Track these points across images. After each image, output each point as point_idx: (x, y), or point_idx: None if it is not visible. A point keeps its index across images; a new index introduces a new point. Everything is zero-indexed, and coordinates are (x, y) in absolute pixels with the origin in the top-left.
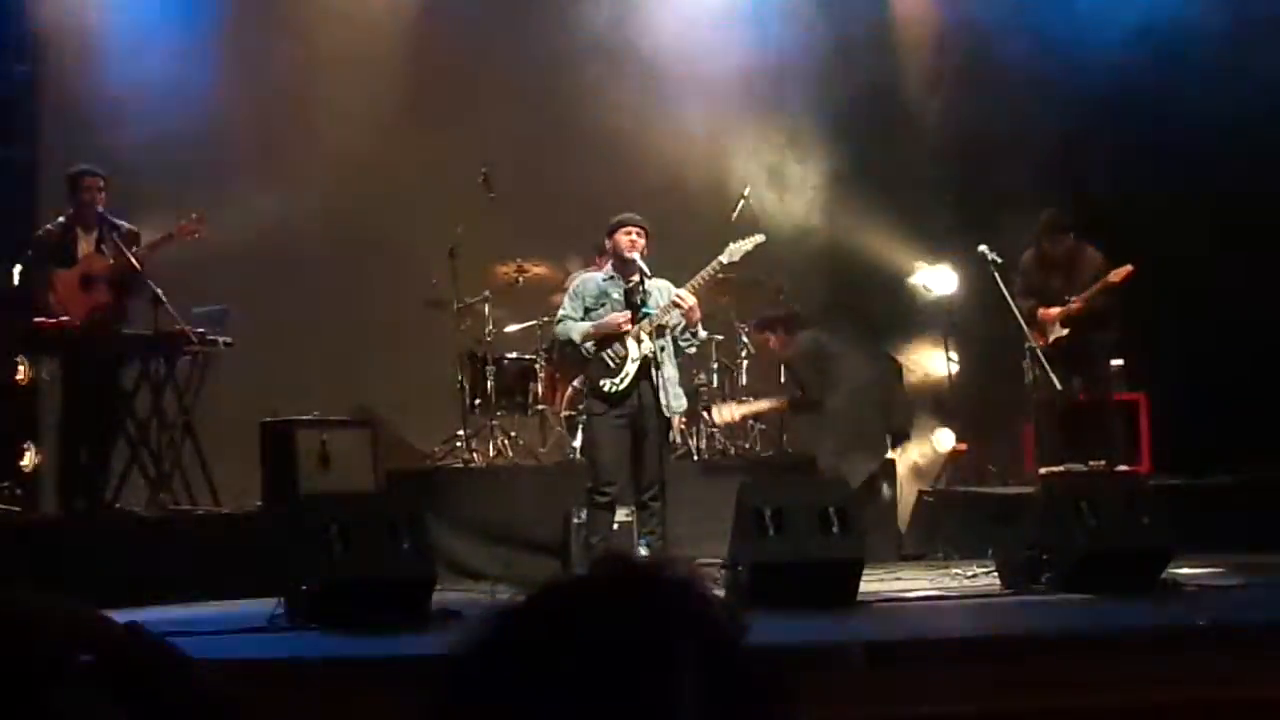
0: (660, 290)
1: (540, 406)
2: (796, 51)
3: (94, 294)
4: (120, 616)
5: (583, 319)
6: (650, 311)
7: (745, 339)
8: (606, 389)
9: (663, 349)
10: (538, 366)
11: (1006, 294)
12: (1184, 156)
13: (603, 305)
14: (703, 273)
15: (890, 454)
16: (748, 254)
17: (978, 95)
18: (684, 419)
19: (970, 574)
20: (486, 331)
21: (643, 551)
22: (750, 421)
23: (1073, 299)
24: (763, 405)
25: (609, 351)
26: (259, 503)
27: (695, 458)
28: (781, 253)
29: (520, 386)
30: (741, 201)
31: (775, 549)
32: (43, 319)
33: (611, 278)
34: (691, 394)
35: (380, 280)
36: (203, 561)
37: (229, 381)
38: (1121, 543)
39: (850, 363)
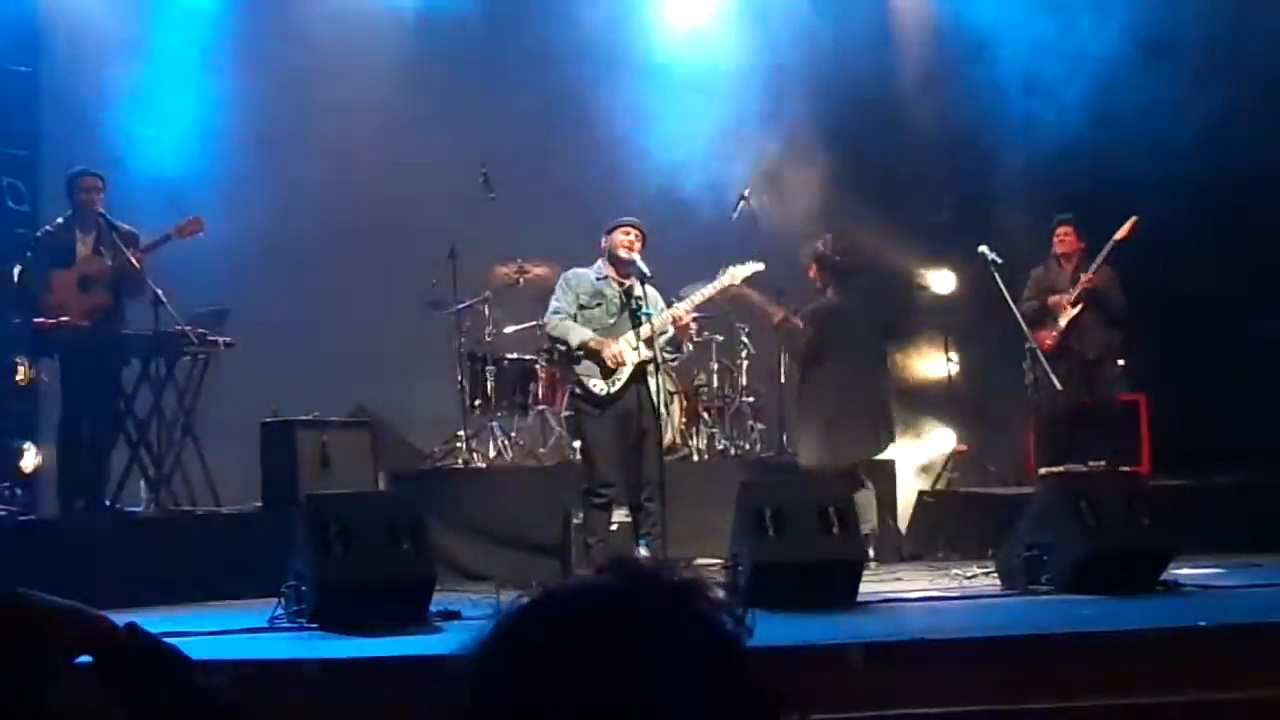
0: (653, 299)
1: (540, 407)
2: (796, 53)
3: (92, 295)
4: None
5: (575, 315)
6: (649, 313)
7: (745, 339)
8: (599, 391)
9: (651, 358)
10: (538, 367)
11: (1006, 294)
12: (1184, 157)
13: (598, 305)
14: (702, 291)
15: (878, 454)
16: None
17: (977, 96)
18: (684, 419)
19: (970, 574)
20: (486, 332)
21: (642, 552)
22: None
23: (1086, 274)
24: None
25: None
26: (259, 503)
27: (695, 458)
28: (781, 254)
29: (520, 387)
30: (741, 202)
31: (775, 549)
32: (42, 319)
33: (605, 277)
34: (693, 394)
35: (380, 281)
36: (203, 562)
37: (229, 382)
38: (1122, 543)
39: (850, 343)
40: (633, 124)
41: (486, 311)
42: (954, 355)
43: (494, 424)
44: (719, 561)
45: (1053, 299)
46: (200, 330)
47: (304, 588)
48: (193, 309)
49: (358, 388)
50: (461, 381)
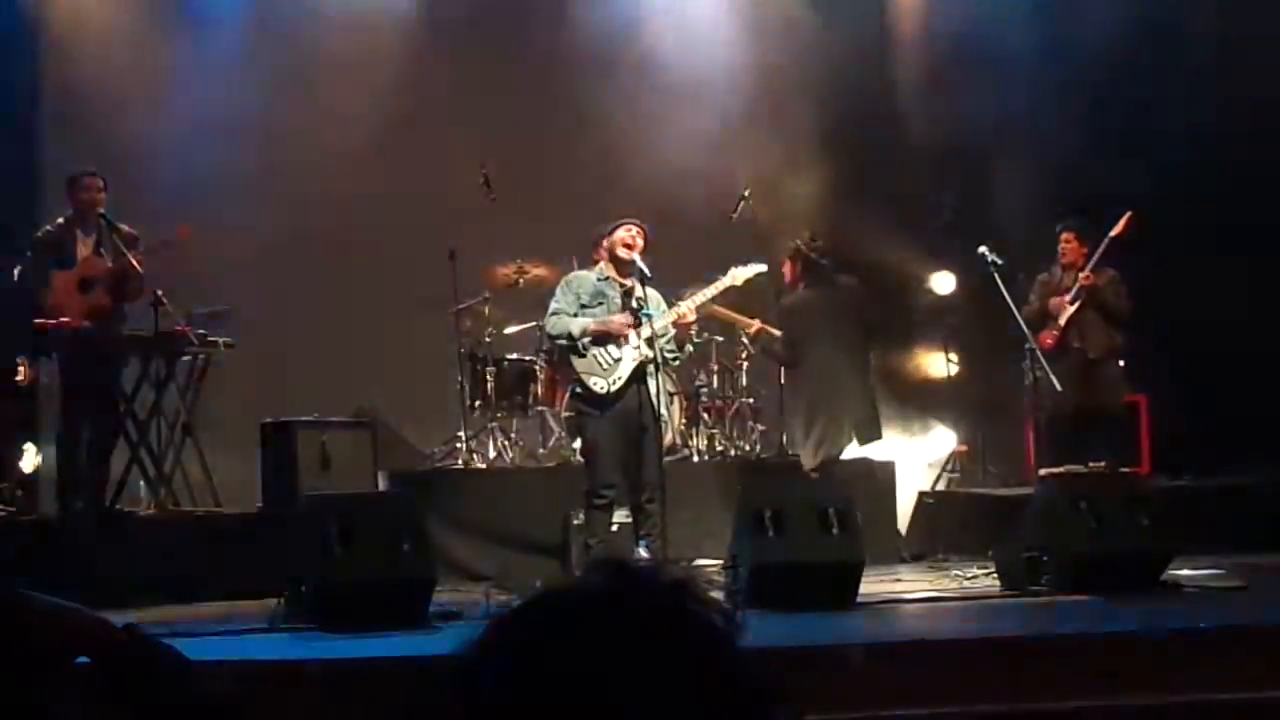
0: (653, 299)
1: (540, 408)
2: (795, 55)
3: (92, 296)
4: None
5: (576, 315)
6: (650, 313)
7: (745, 339)
8: (598, 389)
9: (651, 358)
10: (538, 368)
11: (1006, 295)
12: (1184, 157)
13: (599, 304)
14: (704, 292)
15: (859, 447)
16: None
17: (977, 97)
18: (684, 419)
19: (970, 575)
20: (486, 333)
21: (642, 553)
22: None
23: (1085, 273)
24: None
25: (602, 351)
26: (259, 503)
27: (695, 459)
28: (781, 255)
29: (520, 388)
30: (742, 202)
31: (775, 550)
32: (42, 319)
33: (606, 278)
34: (693, 394)
35: (380, 281)
36: (203, 562)
37: (229, 382)
38: (1122, 544)
39: (824, 340)
40: (632, 126)
41: (486, 312)
42: (954, 356)
43: (494, 425)
44: (719, 562)
45: (1053, 301)
46: (200, 331)
47: (304, 588)
48: (193, 309)
49: (358, 388)
50: (461, 382)
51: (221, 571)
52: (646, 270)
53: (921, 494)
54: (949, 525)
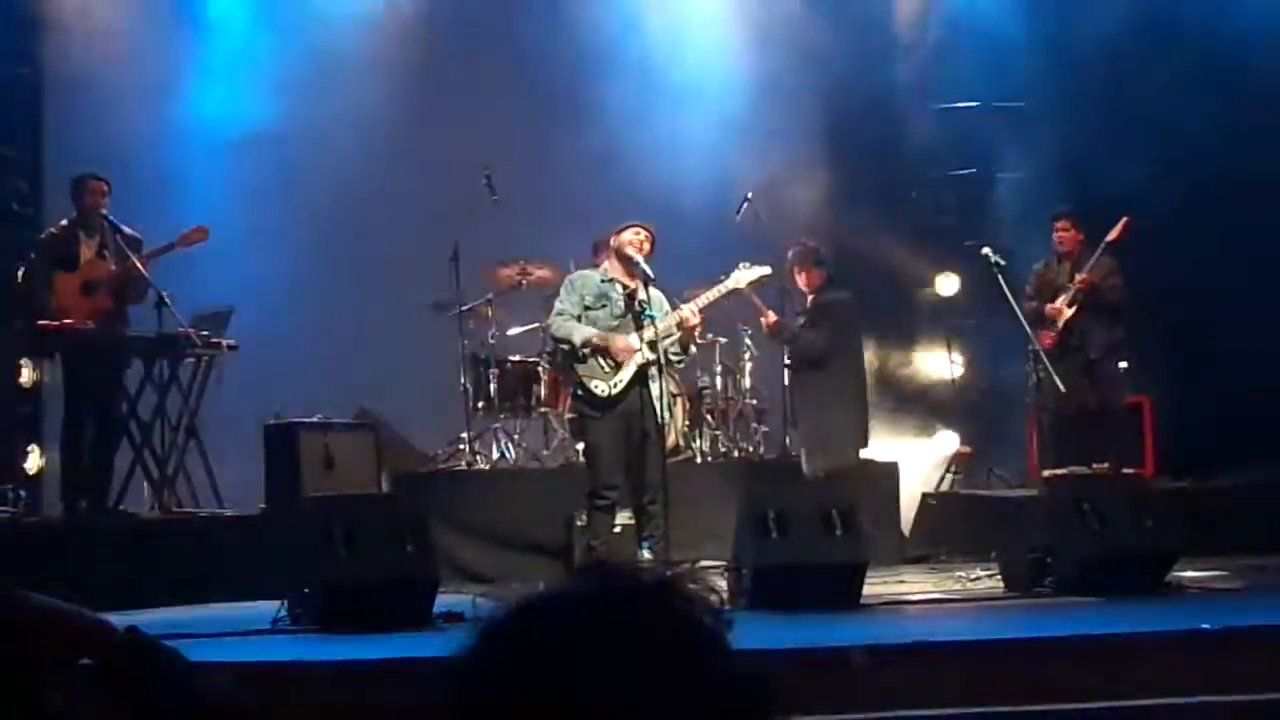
0: (655, 301)
1: (543, 409)
2: (798, 55)
3: (95, 299)
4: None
5: (580, 317)
6: (654, 315)
7: (748, 341)
8: (599, 392)
9: (653, 361)
10: (541, 369)
11: (1010, 296)
12: (1187, 157)
13: (603, 306)
14: (708, 294)
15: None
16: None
17: (979, 97)
18: (687, 421)
19: (974, 577)
20: (490, 334)
21: (645, 554)
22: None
23: (1081, 274)
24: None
25: (604, 354)
26: (262, 505)
27: (698, 460)
28: (784, 256)
29: (523, 389)
30: (745, 204)
31: (778, 551)
32: (46, 321)
33: (610, 279)
34: (696, 396)
35: (383, 283)
36: (206, 564)
37: (232, 384)
38: (1125, 545)
39: (851, 342)
40: (635, 127)
41: (489, 313)
42: (957, 357)
43: (497, 426)
44: (722, 563)
45: (1049, 309)
46: (203, 332)
47: (307, 589)
48: (196, 311)
49: (361, 390)
50: (464, 383)
51: (224, 573)
52: (650, 272)
53: (925, 495)
54: (952, 526)
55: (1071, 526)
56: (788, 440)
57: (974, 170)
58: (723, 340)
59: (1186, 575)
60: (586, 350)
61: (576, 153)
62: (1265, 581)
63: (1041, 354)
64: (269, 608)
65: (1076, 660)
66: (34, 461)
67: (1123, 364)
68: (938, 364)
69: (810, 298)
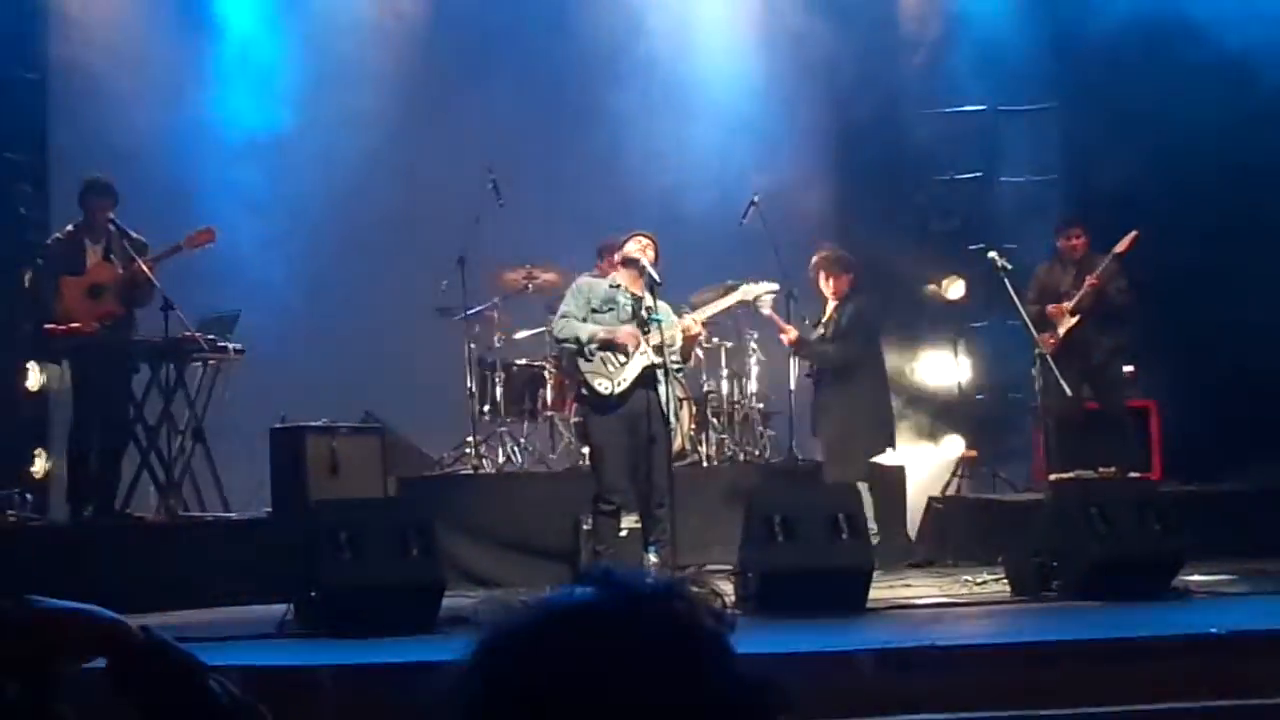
0: (662, 309)
1: (549, 413)
2: (804, 59)
3: (101, 303)
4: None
5: (586, 320)
6: (660, 319)
7: (754, 346)
8: (603, 390)
9: (660, 367)
10: (547, 373)
11: (1016, 300)
12: (1193, 163)
13: (610, 310)
14: (713, 305)
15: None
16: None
17: (986, 100)
18: (694, 425)
19: (980, 581)
20: (496, 338)
21: (651, 558)
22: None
23: (1091, 276)
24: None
25: (610, 355)
26: (268, 509)
27: (704, 464)
28: (788, 260)
29: (530, 393)
30: (751, 207)
31: (785, 556)
32: (52, 325)
33: (618, 285)
34: (701, 400)
35: (389, 287)
36: (212, 567)
37: (239, 388)
38: (1132, 550)
39: (875, 348)
40: (641, 132)
41: (496, 317)
42: (963, 360)
43: (503, 430)
44: (728, 568)
45: (1051, 309)
46: (210, 336)
47: (313, 593)
48: (203, 315)
49: (367, 394)
50: (471, 387)
51: (230, 577)
52: (656, 277)
53: (931, 499)
54: (959, 530)
55: (1078, 530)
56: (794, 445)
57: (980, 174)
58: (729, 344)
59: (1193, 579)
60: (594, 346)
61: (582, 157)
62: (1272, 585)
63: (1048, 358)
64: (275, 611)
65: (1083, 664)
66: (41, 465)
67: (1127, 367)
68: (944, 368)
69: (835, 304)
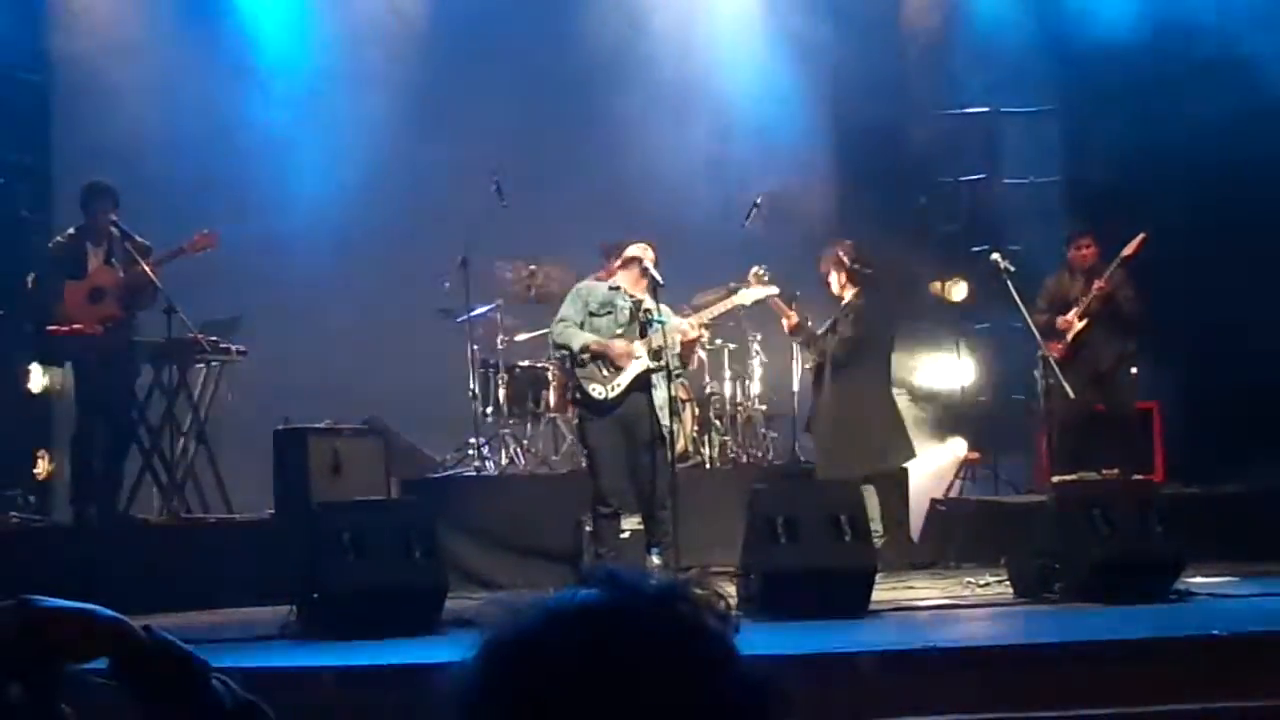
0: (665, 313)
1: (552, 414)
2: (807, 62)
3: (103, 306)
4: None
5: (584, 324)
6: (662, 321)
7: (757, 347)
8: (596, 395)
9: (658, 371)
10: (549, 374)
11: (1019, 302)
12: (1199, 164)
13: (608, 313)
14: (714, 309)
15: (902, 464)
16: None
17: (989, 103)
18: (696, 426)
19: (983, 583)
20: (498, 339)
21: (653, 560)
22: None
23: (1098, 281)
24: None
25: (604, 359)
26: (271, 511)
27: (706, 465)
28: (791, 261)
29: (532, 394)
30: (754, 209)
31: (787, 557)
32: (56, 326)
33: (617, 288)
34: (704, 401)
35: (392, 288)
36: (215, 569)
37: (242, 389)
38: (1134, 552)
39: (879, 350)
40: (644, 134)
41: (499, 319)
42: (966, 362)
43: (505, 431)
44: (731, 569)
45: (1060, 320)
46: (212, 338)
47: (316, 595)
48: (205, 317)
49: (370, 395)
50: (473, 389)
51: (233, 578)
52: (659, 277)
53: (934, 501)
54: (961, 532)
55: (1080, 532)
56: (797, 446)
57: (983, 175)
58: (732, 346)
59: (1195, 581)
60: (586, 355)
61: (585, 158)
62: (1274, 588)
63: (1051, 360)
64: (278, 613)
65: (1085, 666)
66: (44, 467)
67: (1133, 369)
68: (947, 369)
69: (844, 301)
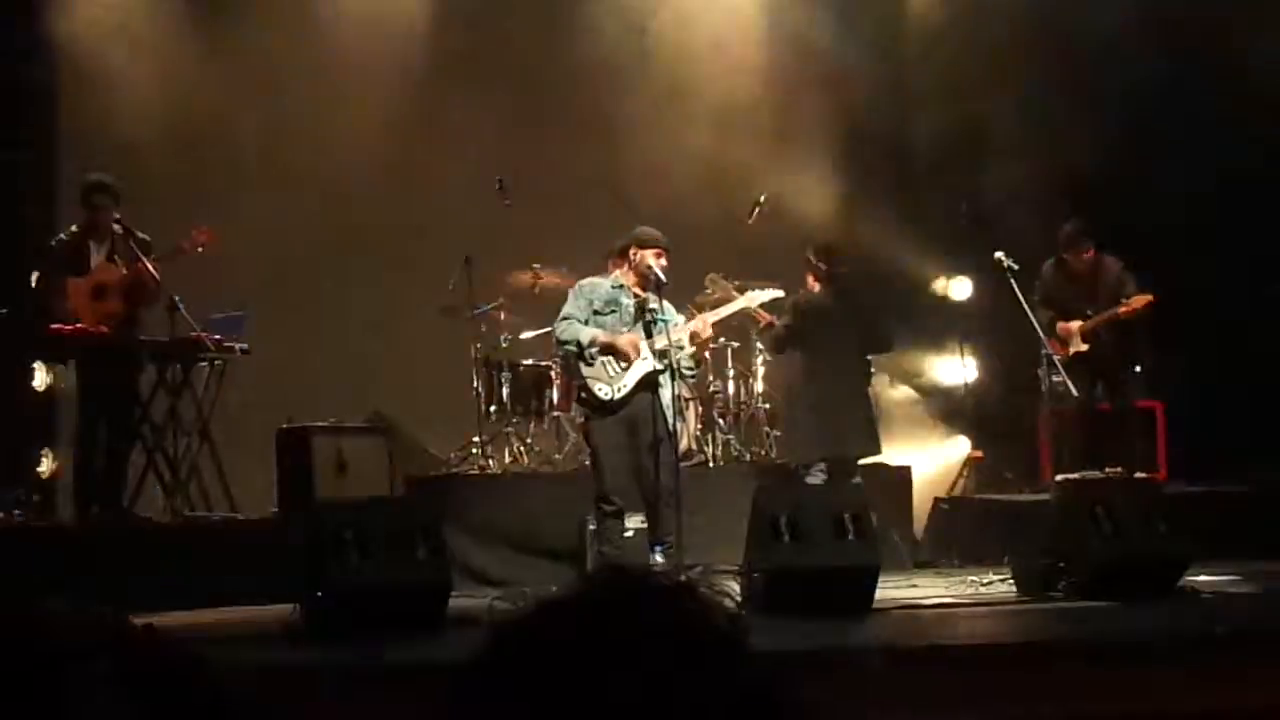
0: (667, 311)
1: (556, 413)
2: (810, 61)
3: (106, 303)
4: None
5: (588, 322)
6: (667, 319)
7: (760, 346)
8: (603, 395)
9: (664, 371)
10: (553, 373)
11: (1023, 301)
12: (1204, 163)
13: (612, 312)
14: (721, 310)
15: (860, 458)
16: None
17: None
18: (699, 425)
19: (986, 581)
20: (502, 338)
21: (657, 559)
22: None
23: (1092, 312)
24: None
25: (610, 360)
26: (275, 509)
27: (710, 464)
28: (793, 261)
29: (536, 393)
30: (757, 207)
31: (791, 556)
32: (59, 325)
33: (621, 285)
34: (707, 400)
35: (396, 287)
36: (219, 568)
37: (246, 388)
38: (1138, 550)
39: (829, 342)
40: (646, 131)
41: (502, 318)
42: (970, 361)
43: (509, 430)
44: (734, 567)
45: (1061, 327)
46: (216, 336)
47: (320, 593)
48: (209, 315)
49: (374, 394)
50: (477, 388)
51: (237, 577)
52: (663, 277)
53: (937, 500)
54: (965, 531)
55: (1084, 531)
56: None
57: (986, 174)
58: (735, 345)
59: (1199, 579)
60: (594, 350)
61: (588, 156)
62: (1278, 585)
63: (1055, 359)
64: (282, 612)
65: (1089, 664)
66: (47, 465)
67: (1136, 368)
68: (950, 368)
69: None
